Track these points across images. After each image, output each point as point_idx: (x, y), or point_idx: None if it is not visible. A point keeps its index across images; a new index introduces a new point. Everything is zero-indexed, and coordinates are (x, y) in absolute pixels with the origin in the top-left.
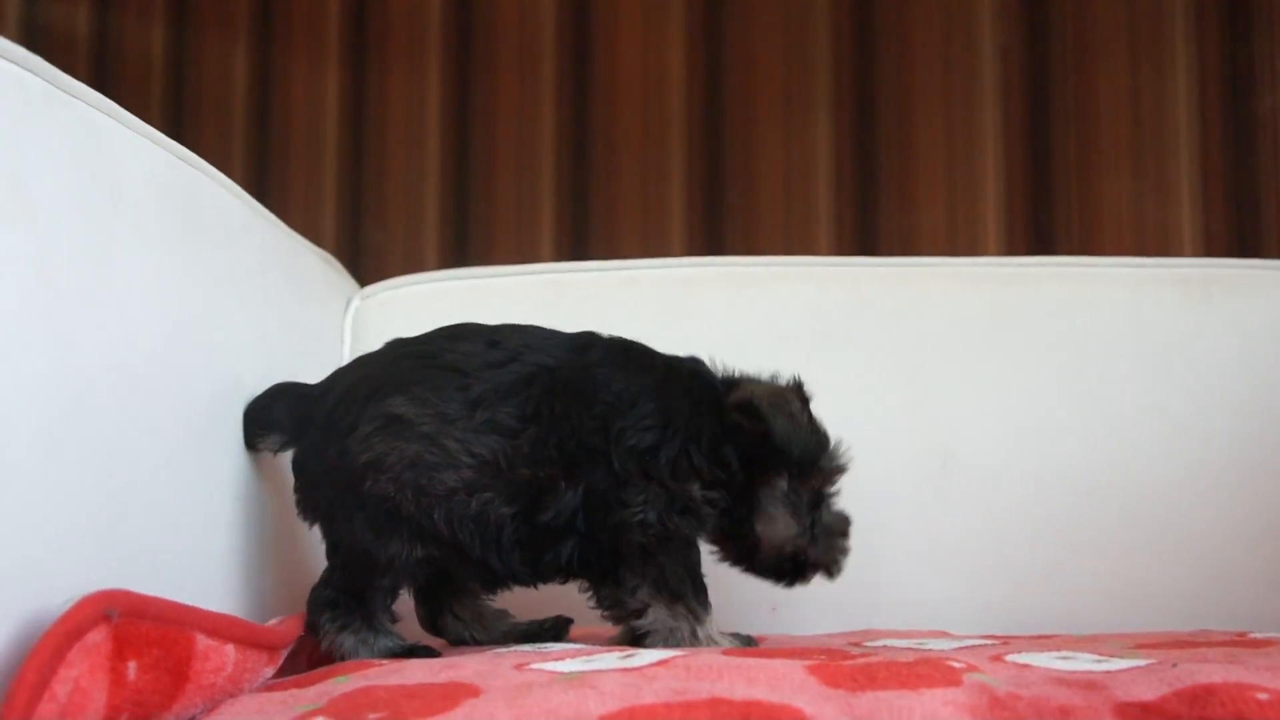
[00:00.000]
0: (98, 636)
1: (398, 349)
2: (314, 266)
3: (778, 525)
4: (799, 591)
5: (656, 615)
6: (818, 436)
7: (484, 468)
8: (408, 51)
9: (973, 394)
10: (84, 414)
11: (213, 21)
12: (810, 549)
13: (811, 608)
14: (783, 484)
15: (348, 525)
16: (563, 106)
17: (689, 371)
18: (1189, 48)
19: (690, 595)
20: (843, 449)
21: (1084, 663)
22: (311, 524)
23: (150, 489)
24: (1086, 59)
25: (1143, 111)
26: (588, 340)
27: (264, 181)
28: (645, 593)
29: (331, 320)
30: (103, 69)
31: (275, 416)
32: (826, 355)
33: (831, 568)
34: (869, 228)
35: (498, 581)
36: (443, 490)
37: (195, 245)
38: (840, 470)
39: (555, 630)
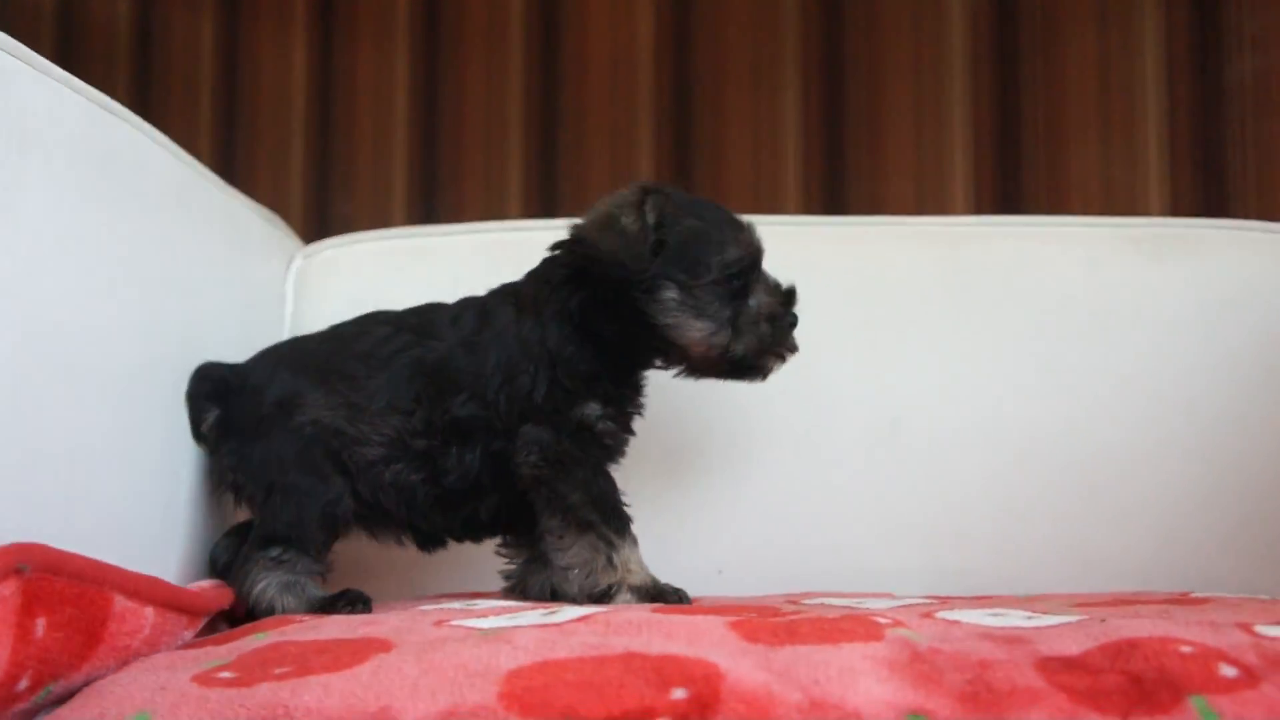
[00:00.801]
0: (6, 590)
1: (318, 337)
2: (253, 223)
3: (685, 332)
4: (744, 555)
5: (575, 549)
6: (681, 230)
7: (391, 444)
8: (375, 23)
9: (924, 355)
10: None
11: None
12: (733, 344)
13: (757, 572)
14: (671, 294)
15: (281, 469)
16: (531, 77)
17: (531, 299)
18: (1158, 13)
19: (600, 523)
20: (745, 231)
21: (1014, 619)
22: (235, 483)
23: (63, 442)
24: (1055, 26)
25: (1111, 78)
26: (458, 311)
27: (231, 154)
28: (558, 527)
29: (273, 277)
30: (69, 41)
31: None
32: None
33: (758, 359)
34: (837, 196)
35: (429, 540)
36: (363, 463)
37: (115, 195)
38: (748, 253)
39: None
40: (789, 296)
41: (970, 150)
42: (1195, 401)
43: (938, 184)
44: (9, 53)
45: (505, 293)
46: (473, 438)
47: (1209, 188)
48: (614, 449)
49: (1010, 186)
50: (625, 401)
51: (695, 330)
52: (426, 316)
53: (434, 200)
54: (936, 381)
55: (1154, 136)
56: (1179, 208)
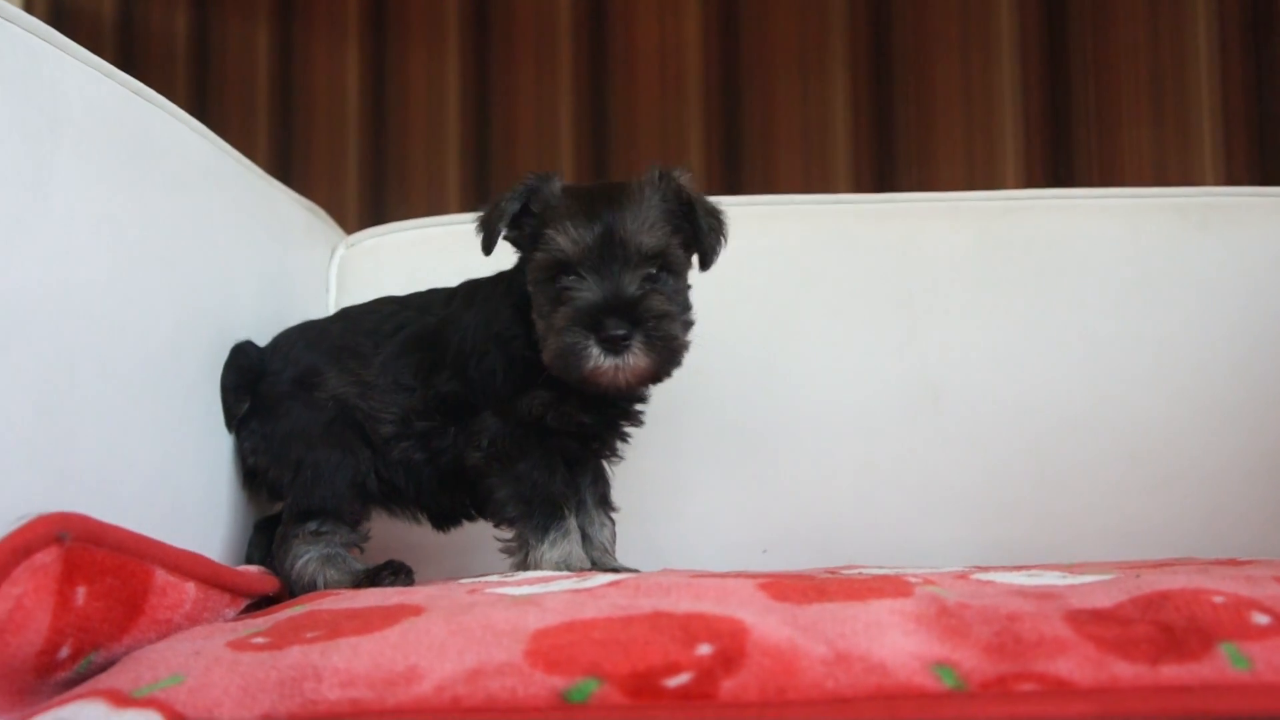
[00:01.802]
0: (47, 558)
1: (330, 318)
2: (295, 214)
3: (538, 330)
4: (789, 532)
5: (510, 539)
6: (538, 220)
7: (398, 422)
8: (426, 25)
9: (966, 327)
10: (17, 336)
11: (235, 3)
12: (545, 349)
13: (801, 549)
14: (530, 289)
15: (307, 444)
16: (580, 73)
17: (501, 281)
18: None
19: (520, 519)
20: (586, 224)
21: (1050, 579)
22: (257, 465)
23: (101, 421)
24: (1105, 4)
25: (1162, 56)
26: (456, 290)
27: (288, 156)
28: (494, 516)
29: (317, 265)
30: (129, 51)
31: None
32: (820, 290)
33: (563, 373)
34: (887, 181)
35: (443, 518)
36: (378, 439)
37: (151, 180)
38: (567, 251)
39: None
40: (597, 309)
41: (1020, 131)
42: (1239, 369)
43: (988, 166)
44: (39, 36)
45: (499, 275)
46: (458, 416)
47: (1265, 163)
48: (585, 442)
49: (1061, 167)
50: (600, 400)
51: (537, 326)
52: (428, 296)
53: (487, 197)
54: (978, 354)
55: (1207, 113)
56: (1233, 183)
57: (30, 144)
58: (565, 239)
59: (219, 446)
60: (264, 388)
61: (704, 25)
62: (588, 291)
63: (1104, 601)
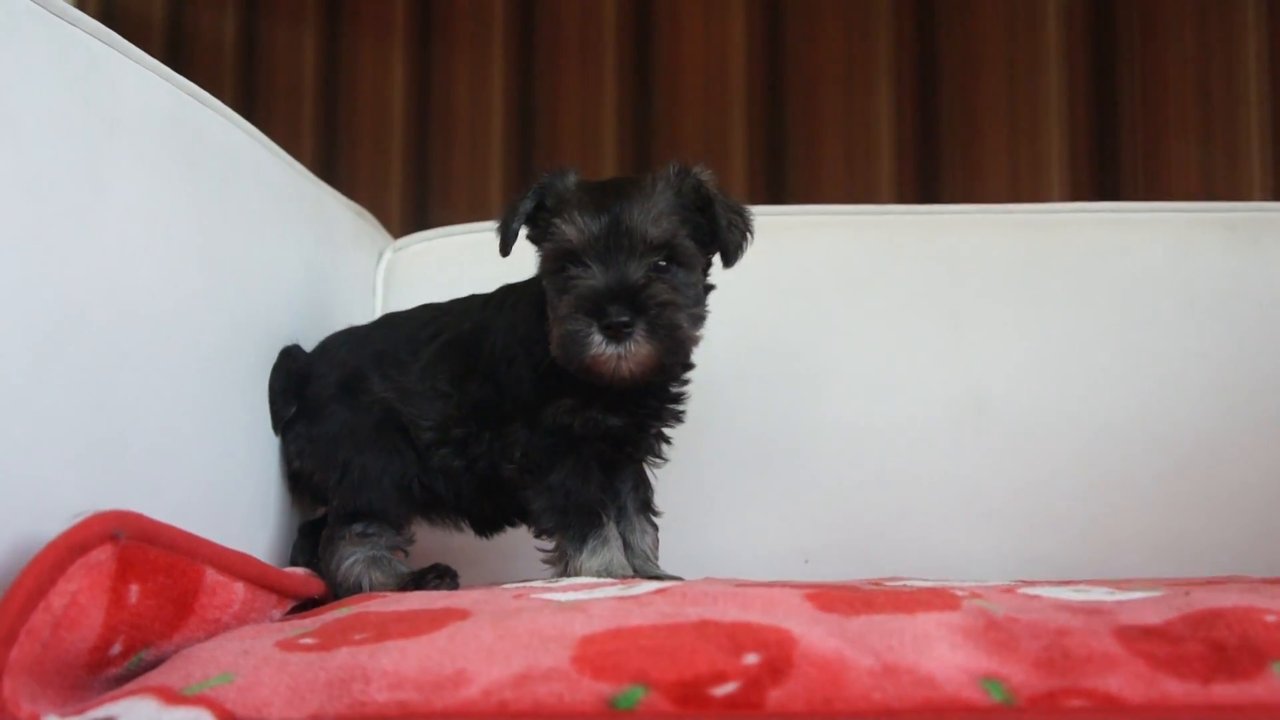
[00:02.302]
0: (102, 555)
1: (372, 323)
2: (344, 217)
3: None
4: (831, 543)
5: (550, 549)
6: (550, 212)
7: (437, 429)
8: (472, 35)
9: (1011, 339)
10: (73, 335)
11: (283, 7)
12: (552, 340)
13: (842, 560)
14: (545, 283)
15: (354, 446)
16: (624, 82)
17: (534, 288)
18: (1259, 4)
19: (561, 528)
20: (591, 214)
21: (1097, 594)
22: (301, 468)
23: (154, 418)
24: (1153, 17)
25: (1211, 69)
26: (492, 295)
27: (333, 160)
28: (535, 526)
29: (364, 269)
30: (177, 52)
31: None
32: (864, 300)
33: (567, 363)
34: (931, 194)
35: (485, 524)
36: (420, 445)
37: (203, 181)
38: (572, 239)
39: None
40: (600, 296)
41: (1066, 146)
42: None
43: (1033, 181)
44: (99, 38)
45: (531, 279)
46: (493, 422)
47: None
48: (618, 446)
49: (1107, 182)
50: (628, 400)
51: (549, 316)
52: (466, 302)
53: None
54: (1023, 366)
55: (1255, 127)
56: None
57: (89, 145)
58: (572, 228)
59: (266, 449)
60: (310, 391)
61: (749, 33)
62: (592, 279)
63: (1154, 619)
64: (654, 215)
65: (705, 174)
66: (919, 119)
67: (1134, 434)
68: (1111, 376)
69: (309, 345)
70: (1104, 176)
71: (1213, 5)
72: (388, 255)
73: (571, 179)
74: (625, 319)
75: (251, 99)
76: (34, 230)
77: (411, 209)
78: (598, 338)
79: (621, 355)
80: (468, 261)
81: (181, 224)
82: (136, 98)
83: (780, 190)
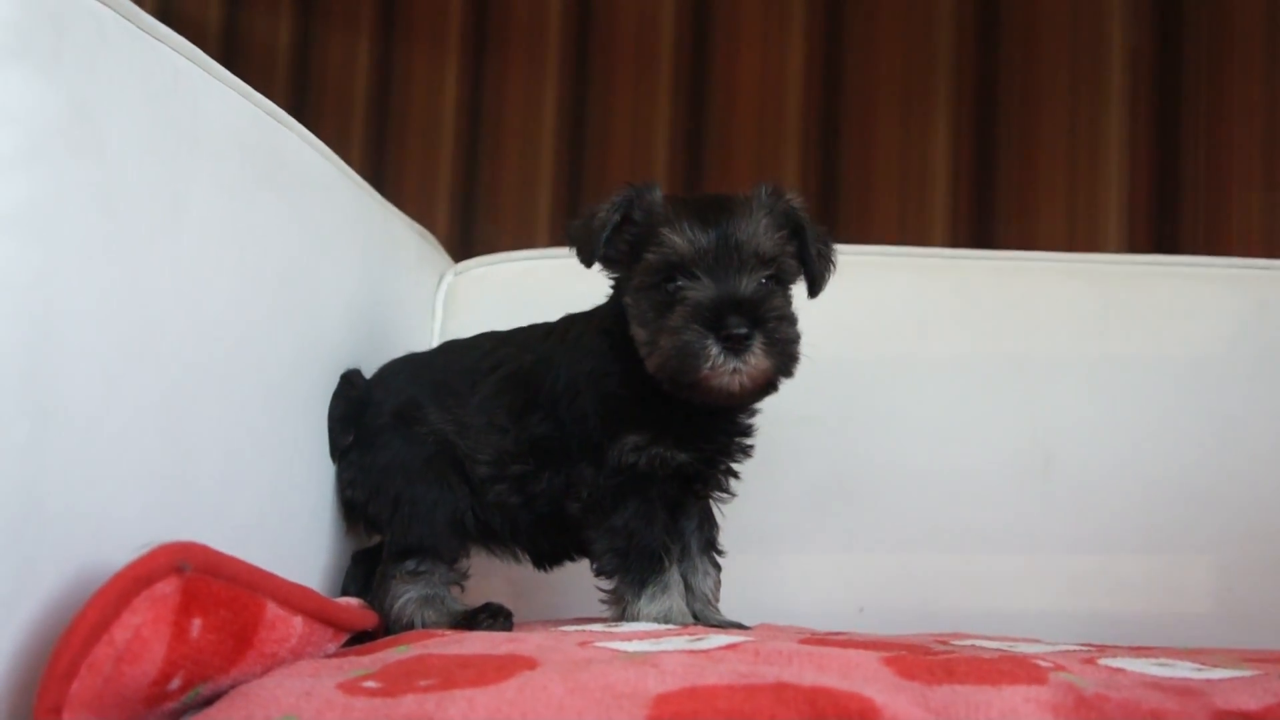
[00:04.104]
0: (167, 588)
1: (433, 351)
2: (408, 238)
3: (636, 340)
4: (887, 592)
5: (610, 591)
6: (641, 226)
7: (493, 464)
8: (527, 50)
9: (1080, 393)
10: (146, 357)
11: (338, 15)
12: (651, 356)
13: (900, 611)
14: (628, 297)
15: (406, 479)
16: (678, 104)
17: (596, 316)
18: None
19: (621, 571)
20: (696, 228)
21: (1183, 670)
22: (354, 498)
23: (219, 442)
24: (1220, 62)
25: (1277, 117)
26: (554, 326)
27: (381, 172)
28: (596, 567)
29: (424, 292)
30: (231, 59)
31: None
32: (929, 345)
33: (677, 375)
34: (986, 231)
35: (545, 558)
36: (475, 479)
37: (279, 200)
38: (680, 250)
39: None
40: (718, 306)
41: (1125, 189)
42: None
43: (1090, 222)
44: (183, 54)
45: (594, 309)
46: (554, 460)
47: None
48: (686, 484)
49: (1167, 228)
50: (697, 435)
51: (637, 337)
52: (528, 332)
53: None
54: (1092, 420)
55: None
56: None
57: (170, 163)
58: (681, 239)
59: (324, 476)
60: (366, 419)
61: (807, 61)
62: (704, 290)
63: (1250, 703)
64: (762, 230)
65: (796, 198)
66: (976, 157)
67: (1204, 494)
68: (1181, 436)
69: (370, 368)
70: (1163, 225)
71: None
72: (448, 279)
73: (658, 193)
74: (745, 330)
75: (302, 106)
76: (112, 249)
77: (458, 225)
78: (715, 349)
79: (738, 369)
80: (529, 288)
81: (255, 245)
82: (218, 116)
83: (831, 223)
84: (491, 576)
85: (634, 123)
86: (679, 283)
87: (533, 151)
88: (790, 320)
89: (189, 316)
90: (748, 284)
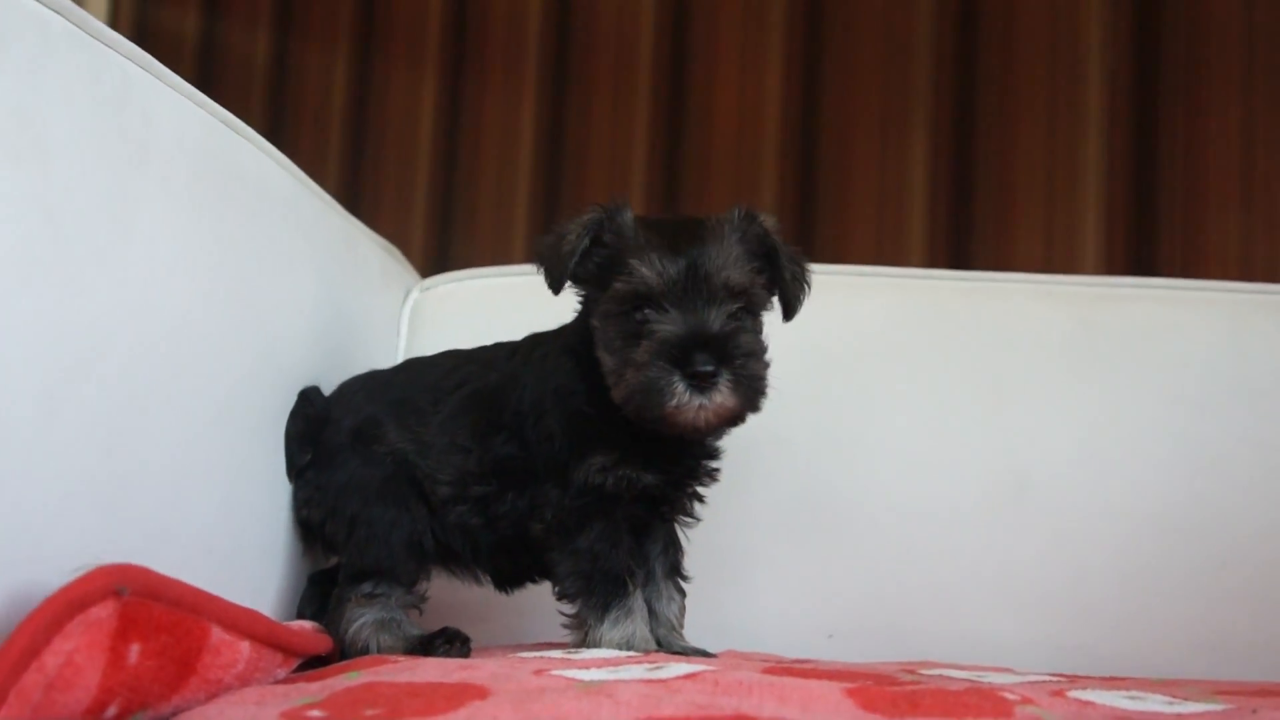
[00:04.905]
0: (103, 612)
1: (394, 368)
2: (372, 253)
3: (603, 366)
4: (857, 619)
5: (572, 614)
6: (609, 251)
7: (454, 484)
8: (504, 68)
9: (1054, 416)
10: (88, 372)
11: (316, 31)
12: (617, 387)
13: (870, 637)
14: (595, 321)
15: (363, 499)
16: (656, 124)
17: (562, 334)
18: None
19: (584, 595)
20: (667, 255)
21: (1154, 704)
22: (310, 517)
23: (166, 461)
24: (1197, 86)
25: (1256, 141)
26: (519, 345)
27: (357, 189)
28: (557, 589)
29: (389, 309)
30: (207, 72)
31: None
32: (903, 367)
33: (641, 410)
34: (963, 253)
35: (507, 580)
36: (435, 500)
37: (234, 211)
38: (648, 282)
39: None
40: (684, 343)
41: (1103, 211)
42: None
43: (1068, 245)
44: (133, 60)
45: (561, 328)
46: (518, 481)
47: None
48: (652, 506)
49: (1144, 250)
50: (664, 457)
51: (604, 363)
52: (493, 351)
53: None
54: (1067, 445)
55: None
56: None
57: (117, 172)
58: (649, 270)
59: (279, 495)
60: (324, 437)
61: (785, 81)
62: (671, 325)
63: None
64: (732, 259)
65: (769, 221)
66: (953, 179)
67: (1180, 522)
68: (1158, 461)
69: (330, 386)
70: (1141, 247)
71: (1260, 74)
72: (414, 295)
73: (629, 214)
74: (711, 368)
75: (279, 122)
76: (54, 260)
77: (434, 242)
78: (680, 387)
79: (704, 406)
80: (497, 305)
81: (207, 258)
82: (169, 124)
83: (808, 244)
84: (453, 599)
85: (612, 141)
86: (646, 314)
87: (510, 170)
88: (757, 356)
89: (135, 332)
90: (716, 318)
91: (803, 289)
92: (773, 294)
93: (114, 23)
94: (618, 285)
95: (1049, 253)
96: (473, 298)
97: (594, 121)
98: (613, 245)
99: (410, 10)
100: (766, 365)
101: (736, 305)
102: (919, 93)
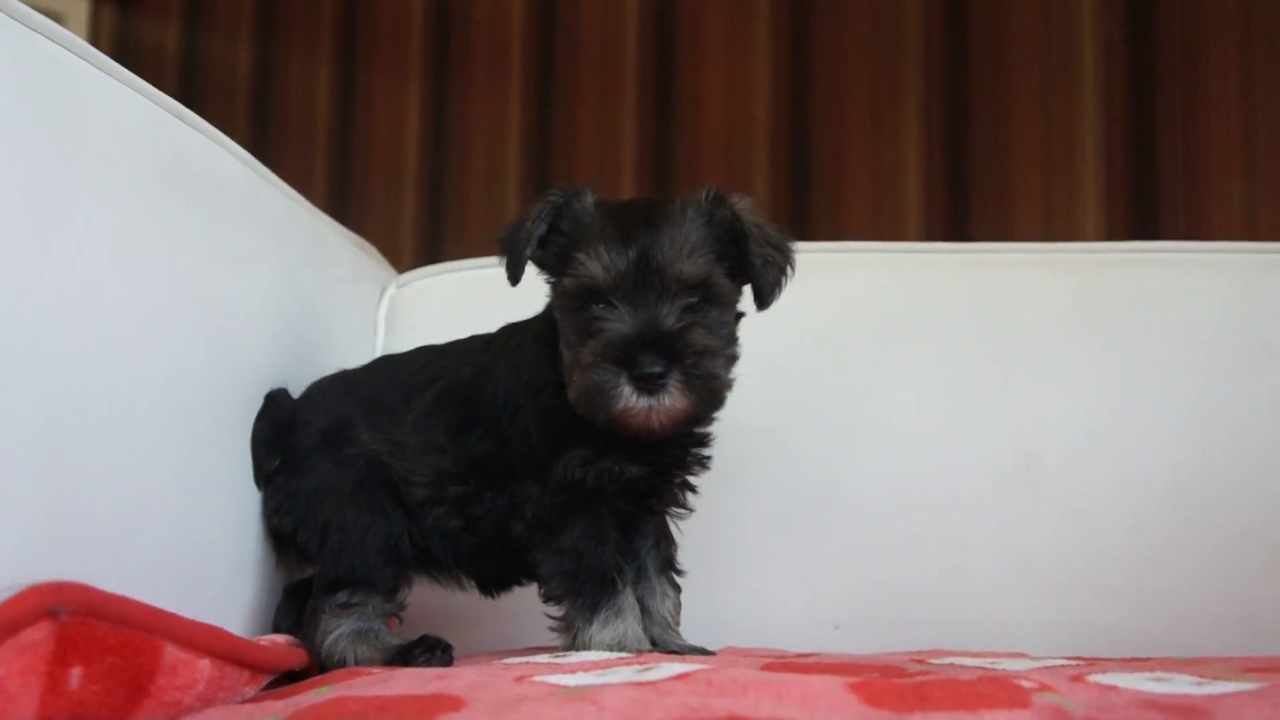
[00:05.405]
0: (37, 635)
1: (365, 366)
2: (341, 248)
3: (565, 363)
4: (863, 609)
5: (560, 616)
6: (566, 239)
7: (431, 486)
8: (490, 69)
9: (1061, 389)
10: (23, 376)
11: (298, 40)
12: (571, 385)
13: (878, 627)
14: (557, 316)
15: (336, 504)
16: (645, 120)
17: (533, 324)
18: None
19: (570, 595)
20: (620, 246)
21: (1181, 685)
22: (281, 526)
23: (115, 471)
24: (1195, 55)
25: (1256, 108)
26: (493, 336)
27: (346, 196)
28: (543, 591)
29: (364, 306)
30: (190, 84)
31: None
32: (902, 345)
33: (590, 411)
34: (960, 234)
35: (492, 583)
36: (412, 502)
37: (183, 207)
38: (596, 276)
39: None
40: (630, 344)
41: (1103, 185)
42: None
43: (1068, 220)
44: (64, 46)
45: (535, 316)
46: (496, 480)
47: None
48: (639, 499)
49: (1146, 221)
50: (648, 447)
51: (564, 358)
52: (467, 344)
53: None
54: (1074, 417)
55: None
56: None
57: (49, 162)
58: (596, 264)
59: (247, 504)
60: (293, 441)
61: (773, 68)
62: (619, 323)
63: None
64: (687, 250)
65: (742, 203)
66: (948, 157)
67: (1198, 494)
68: (1172, 432)
69: (300, 388)
70: (1143, 217)
71: (1260, 40)
72: (391, 291)
73: (589, 199)
74: (659, 370)
75: (264, 132)
76: None
77: (424, 247)
78: (627, 389)
79: (654, 408)
80: (477, 299)
81: (157, 251)
82: (108, 114)
83: (804, 227)
84: (439, 606)
85: (600, 137)
86: (594, 311)
87: (498, 171)
88: (713, 354)
89: (76, 334)
90: (669, 313)
91: (779, 274)
92: (744, 282)
93: (94, 38)
94: (567, 280)
95: (1049, 227)
96: (452, 292)
97: (581, 119)
98: (570, 233)
99: (392, 15)
100: (728, 360)
101: (693, 298)
102: (910, 71)
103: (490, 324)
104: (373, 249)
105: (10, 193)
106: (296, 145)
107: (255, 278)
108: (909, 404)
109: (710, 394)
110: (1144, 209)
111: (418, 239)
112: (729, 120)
